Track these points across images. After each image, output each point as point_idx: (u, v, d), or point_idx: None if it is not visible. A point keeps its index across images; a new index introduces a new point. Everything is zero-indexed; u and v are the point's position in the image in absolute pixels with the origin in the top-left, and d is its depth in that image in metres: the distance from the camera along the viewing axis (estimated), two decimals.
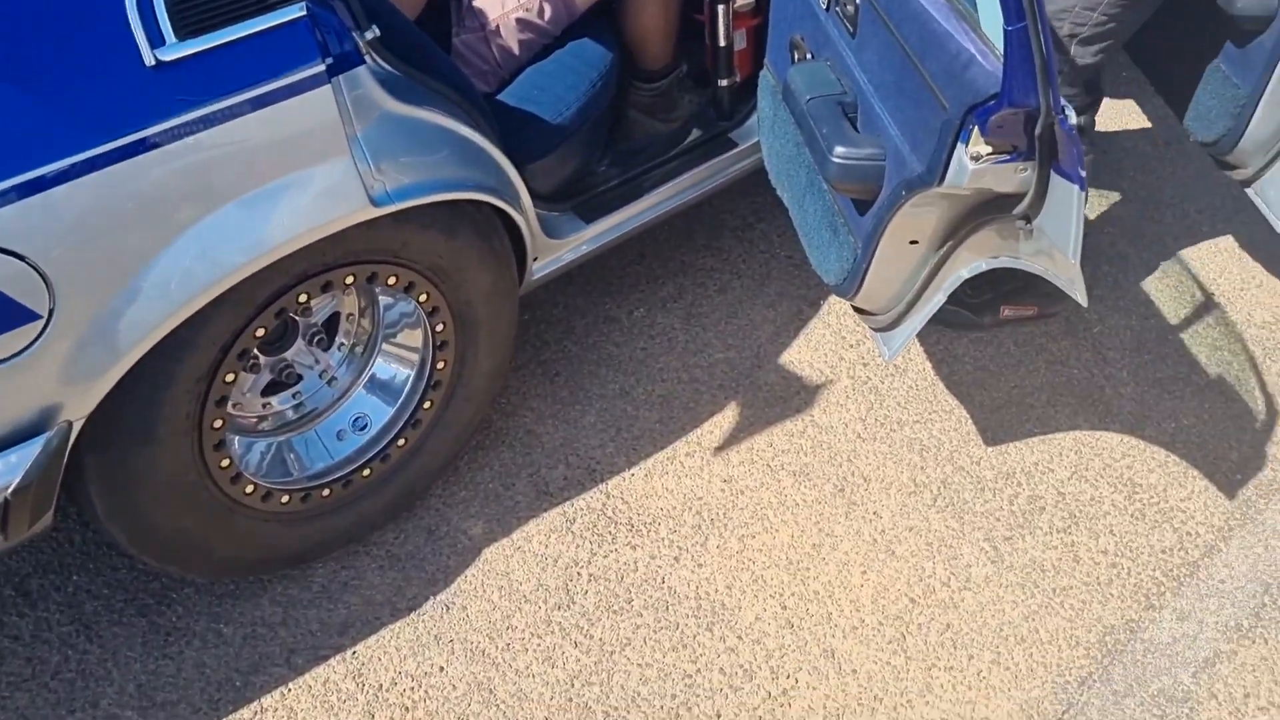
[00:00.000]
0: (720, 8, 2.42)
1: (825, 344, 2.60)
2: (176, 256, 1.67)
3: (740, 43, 2.50)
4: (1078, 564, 2.22)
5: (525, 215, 2.14)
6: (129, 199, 1.63)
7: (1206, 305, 2.70)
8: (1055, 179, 1.62)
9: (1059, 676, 2.06)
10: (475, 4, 2.32)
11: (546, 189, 2.27)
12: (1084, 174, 1.56)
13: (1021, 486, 2.35)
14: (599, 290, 2.69)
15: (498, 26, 2.30)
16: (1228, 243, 2.84)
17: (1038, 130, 1.56)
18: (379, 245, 1.93)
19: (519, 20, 2.30)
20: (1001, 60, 1.57)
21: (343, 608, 2.13)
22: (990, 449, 2.41)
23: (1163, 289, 2.73)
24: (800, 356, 2.58)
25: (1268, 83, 2.13)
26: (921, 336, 2.61)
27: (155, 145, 1.62)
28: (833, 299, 2.66)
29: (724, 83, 2.52)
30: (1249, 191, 2.34)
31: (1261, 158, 2.24)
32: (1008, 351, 2.60)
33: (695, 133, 2.54)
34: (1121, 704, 2.02)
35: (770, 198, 2.44)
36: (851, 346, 2.59)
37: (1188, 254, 2.82)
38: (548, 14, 2.31)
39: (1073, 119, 1.54)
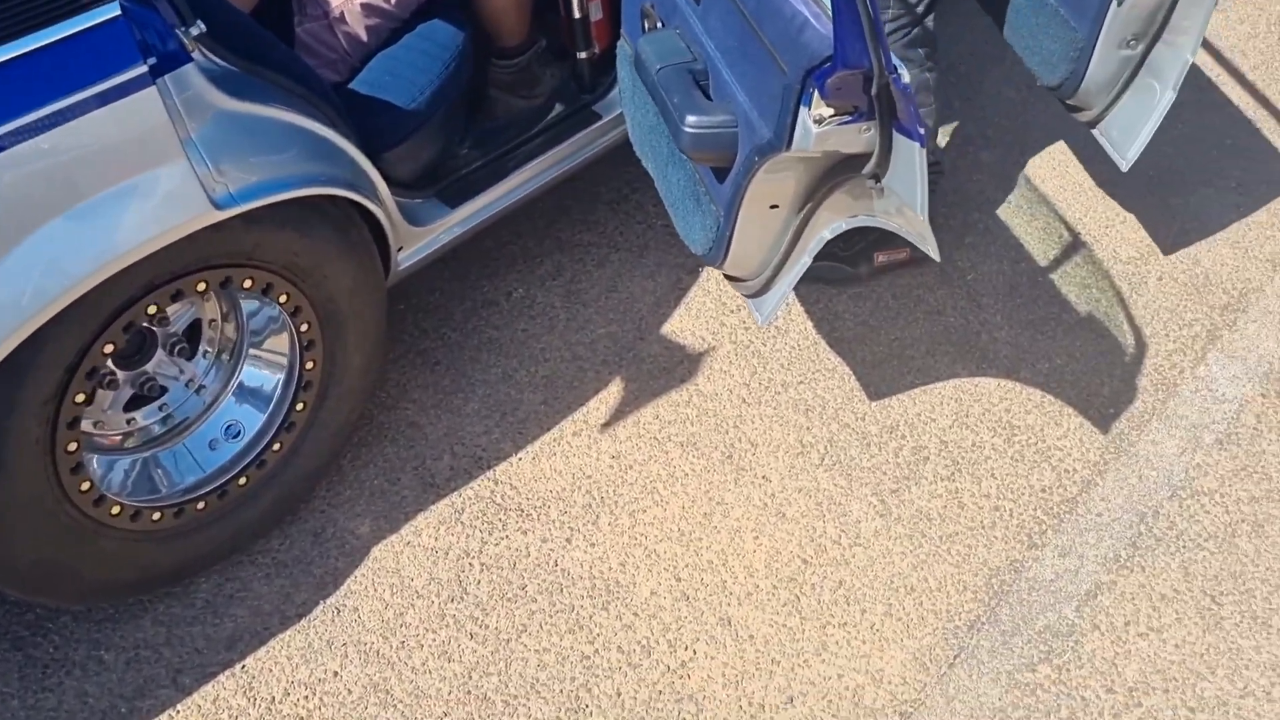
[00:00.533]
0: None
1: (706, 311, 2.60)
2: (1, 277, 1.60)
3: (596, 13, 2.46)
4: (962, 510, 2.26)
5: (384, 206, 2.09)
6: None
7: (1074, 245, 2.75)
8: (897, 137, 1.62)
9: (949, 622, 2.10)
10: None
11: (406, 176, 2.22)
12: (923, 131, 1.57)
13: (905, 438, 2.38)
14: (475, 273, 2.65)
15: (342, 13, 2.23)
16: (1091, 182, 2.90)
17: (874, 90, 1.57)
18: (229, 248, 1.87)
19: (364, 5, 2.23)
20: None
21: (229, 621, 2.08)
22: (874, 404, 2.44)
23: (1032, 232, 2.78)
24: (682, 325, 2.57)
25: (1102, 25, 2.16)
26: (801, 295, 2.63)
27: None
28: None
29: (583, 55, 2.48)
30: (1095, 132, 2.38)
31: (1104, 99, 2.28)
32: (886, 305, 2.62)
33: (558, 108, 2.50)
34: (1010, 643, 2.07)
35: (643, 168, 2.42)
36: (732, 312, 2.60)
37: (1055, 196, 2.87)
38: None
39: (906, 77, 1.55)
